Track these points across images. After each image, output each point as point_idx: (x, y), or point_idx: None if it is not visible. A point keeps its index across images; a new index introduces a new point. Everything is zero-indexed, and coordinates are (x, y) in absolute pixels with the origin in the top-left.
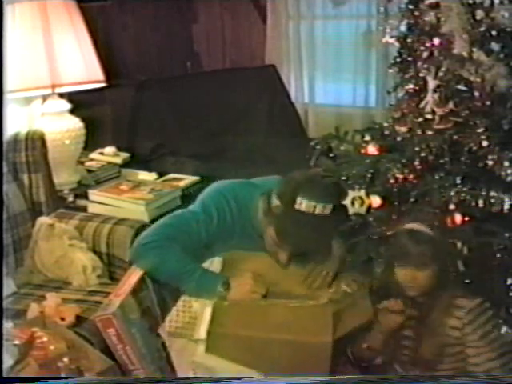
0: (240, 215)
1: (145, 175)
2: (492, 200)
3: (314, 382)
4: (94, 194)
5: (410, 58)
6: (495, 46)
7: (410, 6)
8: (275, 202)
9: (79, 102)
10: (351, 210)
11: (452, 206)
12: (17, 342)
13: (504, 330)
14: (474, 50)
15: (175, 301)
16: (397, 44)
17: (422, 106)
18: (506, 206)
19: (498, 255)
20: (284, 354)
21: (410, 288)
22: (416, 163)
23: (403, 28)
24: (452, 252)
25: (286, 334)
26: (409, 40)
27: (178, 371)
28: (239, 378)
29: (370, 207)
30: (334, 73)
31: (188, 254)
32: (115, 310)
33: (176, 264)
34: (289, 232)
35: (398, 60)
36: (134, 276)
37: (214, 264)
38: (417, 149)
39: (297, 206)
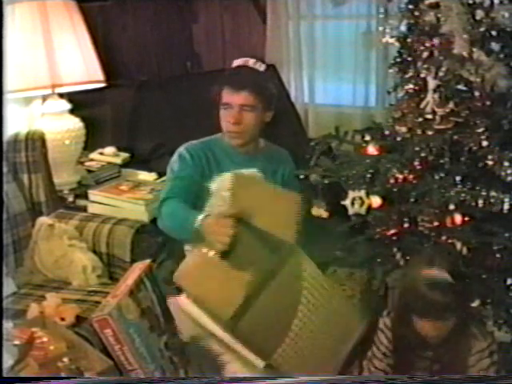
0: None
1: (145, 175)
2: (492, 200)
3: (314, 382)
4: (93, 194)
5: (409, 58)
6: (495, 46)
7: (410, 6)
8: None
9: (79, 102)
10: (351, 211)
11: (452, 206)
12: (17, 342)
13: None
14: (474, 49)
15: None
16: (397, 44)
17: (422, 106)
18: (506, 206)
19: (498, 255)
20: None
21: (431, 338)
22: (416, 163)
23: (403, 28)
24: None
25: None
26: (409, 40)
27: None
28: (243, 378)
29: (369, 207)
30: (334, 73)
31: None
32: (111, 310)
33: (173, 216)
34: None
35: (398, 60)
36: (131, 277)
37: (224, 181)
38: (417, 149)
39: None
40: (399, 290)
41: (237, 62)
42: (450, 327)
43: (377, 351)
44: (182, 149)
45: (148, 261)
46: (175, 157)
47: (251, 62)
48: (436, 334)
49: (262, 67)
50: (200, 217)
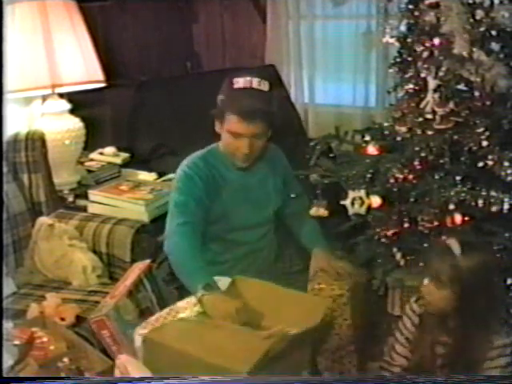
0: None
1: (145, 175)
2: (492, 200)
3: (314, 381)
4: (93, 194)
5: (409, 58)
6: (495, 46)
7: (410, 6)
8: None
9: (79, 102)
10: (351, 211)
11: (452, 206)
12: (17, 342)
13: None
14: (474, 49)
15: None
16: (397, 44)
17: (422, 106)
18: (506, 206)
19: (498, 255)
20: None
21: (427, 302)
22: (416, 163)
23: (403, 28)
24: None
25: (210, 356)
26: (409, 40)
27: None
28: (243, 378)
29: (369, 207)
30: (334, 73)
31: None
32: (108, 311)
33: (182, 253)
34: None
35: (398, 60)
36: (130, 277)
37: (222, 282)
38: (417, 149)
39: None
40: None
41: (239, 84)
42: (443, 299)
43: (400, 336)
44: (186, 168)
45: (148, 261)
46: (182, 175)
47: (255, 83)
48: (429, 297)
49: (265, 86)
50: (201, 288)
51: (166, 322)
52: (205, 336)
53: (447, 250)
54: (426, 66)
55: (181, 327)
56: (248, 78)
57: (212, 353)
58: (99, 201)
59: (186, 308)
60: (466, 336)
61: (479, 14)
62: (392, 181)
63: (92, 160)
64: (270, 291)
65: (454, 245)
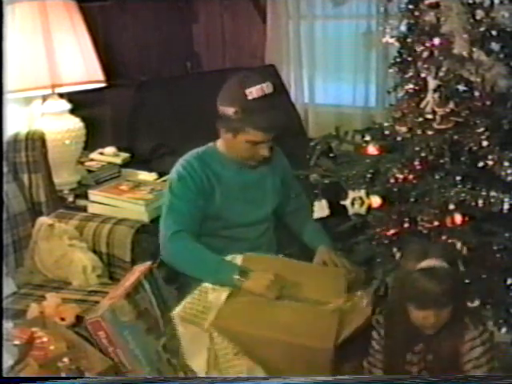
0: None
1: (145, 175)
2: (492, 200)
3: (315, 382)
4: (93, 194)
5: (409, 58)
6: (495, 46)
7: (410, 6)
8: None
9: (79, 102)
10: (351, 211)
11: (452, 206)
12: (17, 342)
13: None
14: (474, 49)
15: (175, 301)
16: (397, 44)
17: (422, 106)
18: (506, 206)
19: (498, 255)
20: (284, 355)
21: (427, 328)
22: (416, 163)
23: (403, 28)
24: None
25: (289, 336)
26: (409, 40)
27: (187, 357)
28: (245, 378)
29: (369, 207)
30: (333, 73)
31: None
32: (104, 312)
33: (192, 254)
34: None
35: (398, 60)
36: (130, 279)
37: (236, 260)
38: (417, 149)
39: None
40: (394, 284)
41: (253, 94)
42: (448, 314)
43: (370, 348)
44: (180, 168)
45: (148, 263)
46: (175, 176)
47: (265, 88)
48: (434, 322)
49: (271, 87)
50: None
51: (225, 307)
52: (273, 315)
53: (433, 271)
54: (426, 65)
55: (243, 310)
56: (258, 86)
57: (287, 331)
58: (99, 201)
59: (214, 289)
60: (439, 337)
61: (479, 13)
62: (392, 181)
63: (92, 160)
64: (284, 264)
65: (440, 262)
